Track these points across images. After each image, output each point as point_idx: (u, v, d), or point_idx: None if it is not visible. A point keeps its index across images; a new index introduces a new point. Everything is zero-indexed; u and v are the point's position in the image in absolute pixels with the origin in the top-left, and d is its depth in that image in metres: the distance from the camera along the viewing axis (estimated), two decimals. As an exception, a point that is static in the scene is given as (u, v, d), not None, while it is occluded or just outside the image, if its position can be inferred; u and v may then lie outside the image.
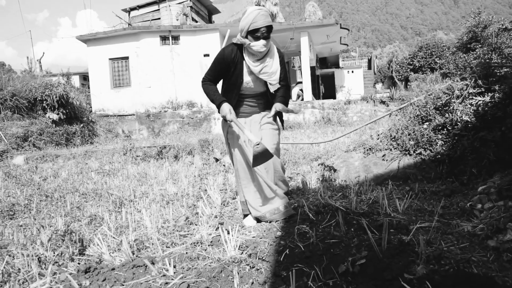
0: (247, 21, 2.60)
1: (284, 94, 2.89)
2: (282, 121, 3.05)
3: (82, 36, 17.05)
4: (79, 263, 2.46)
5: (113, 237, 2.84)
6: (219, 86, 2.91)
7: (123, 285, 1.97)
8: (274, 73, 2.77)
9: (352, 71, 24.16)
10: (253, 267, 2.02)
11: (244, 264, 2.06)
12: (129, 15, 21.01)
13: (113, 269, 2.17)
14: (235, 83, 2.79)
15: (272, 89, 2.81)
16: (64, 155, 9.23)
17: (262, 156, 2.57)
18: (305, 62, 16.88)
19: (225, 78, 2.85)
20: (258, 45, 2.62)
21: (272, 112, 2.81)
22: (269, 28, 2.63)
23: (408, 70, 25.00)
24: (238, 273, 1.94)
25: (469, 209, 2.67)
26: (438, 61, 22.85)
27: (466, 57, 11.89)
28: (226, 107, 2.68)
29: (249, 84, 2.81)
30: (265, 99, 2.92)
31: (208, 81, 2.82)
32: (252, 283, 1.87)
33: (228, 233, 2.43)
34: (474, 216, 2.53)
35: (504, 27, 13.79)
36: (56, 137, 12.14)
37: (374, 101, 15.14)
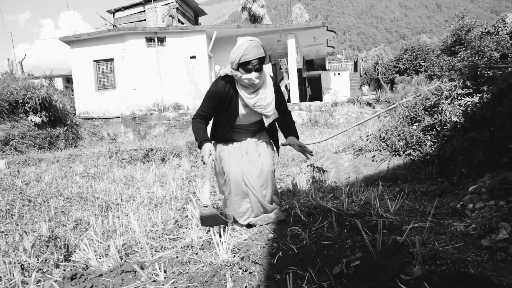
0: (238, 53, 2.49)
1: (294, 126, 2.85)
2: (277, 147, 2.98)
3: (66, 37, 16.72)
4: (64, 270, 2.37)
5: (100, 242, 2.76)
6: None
7: (111, 292, 1.90)
8: (269, 104, 2.67)
9: (339, 74, 24.42)
10: (246, 271, 1.97)
11: (237, 268, 2.00)
12: (113, 16, 20.73)
13: (100, 275, 2.10)
14: (230, 116, 2.69)
15: (266, 122, 2.72)
16: (47, 159, 9.01)
17: (211, 219, 2.44)
18: (292, 64, 16.93)
19: (218, 112, 2.72)
20: (250, 78, 2.51)
21: (287, 142, 2.76)
22: (261, 60, 2.51)
23: (394, 72, 25.33)
24: (231, 277, 1.89)
25: (460, 209, 2.68)
26: (423, 64, 23.21)
27: (450, 60, 12.09)
28: (207, 147, 2.56)
29: (244, 116, 2.74)
30: (259, 126, 2.85)
31: (199, 118, 2.69)
32: (246, 287, 1.83)
33: (220, 236, 2.38)
34: (466, 216, 2.54)
35: (486, 30, 14.11)
36: (38, 140, 11.84)
37: (360, 103, 15.28)
